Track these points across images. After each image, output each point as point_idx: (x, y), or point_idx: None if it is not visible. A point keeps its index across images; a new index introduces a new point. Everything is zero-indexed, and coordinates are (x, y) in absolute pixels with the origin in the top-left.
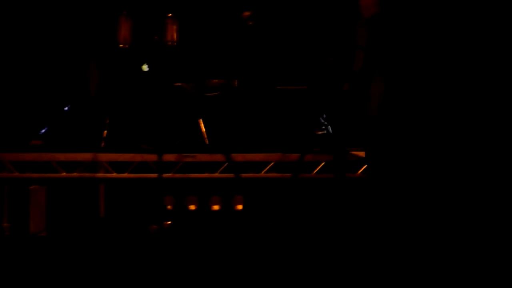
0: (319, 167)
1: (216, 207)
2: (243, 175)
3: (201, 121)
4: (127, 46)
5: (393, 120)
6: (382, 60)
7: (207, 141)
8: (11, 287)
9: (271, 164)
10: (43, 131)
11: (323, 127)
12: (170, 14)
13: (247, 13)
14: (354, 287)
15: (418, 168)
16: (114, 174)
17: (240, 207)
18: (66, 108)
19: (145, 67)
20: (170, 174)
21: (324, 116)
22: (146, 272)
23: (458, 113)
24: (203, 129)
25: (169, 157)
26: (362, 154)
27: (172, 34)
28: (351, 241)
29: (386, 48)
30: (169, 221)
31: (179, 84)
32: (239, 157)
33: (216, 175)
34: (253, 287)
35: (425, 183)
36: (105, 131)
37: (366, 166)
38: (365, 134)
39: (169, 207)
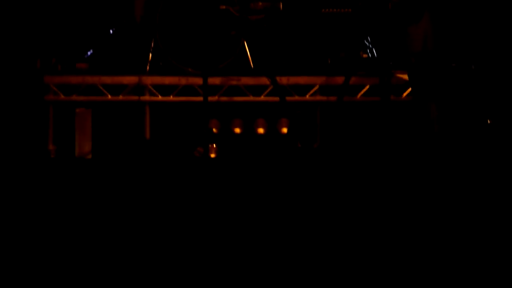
0: (364, 90)
1: (261, 130)
2: (288, 98)
3: (246, 44)
4: None
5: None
6: None
7: (252, 64)
8: (55, 209)
9: (316, 87)
10: (88, 54)
11: (368, 49)
12: None
13: None
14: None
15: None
16: (159, 97)
17: (285, 130)
18: (111, 31)
19: None
20: (215, 98)
21: (369, 39)
22: (190, 194)
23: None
24: (248, 52)
25: (214, 80)
26: (406, 77)
27: None
28: (396, 166)
29: None
30: (214, 144)
31: (225, 7)
32: (283, 80)
33: (261, 98)
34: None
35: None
36: (150, 54)
37: (410, 89)
38: (409, 56)
39: (214, 130)
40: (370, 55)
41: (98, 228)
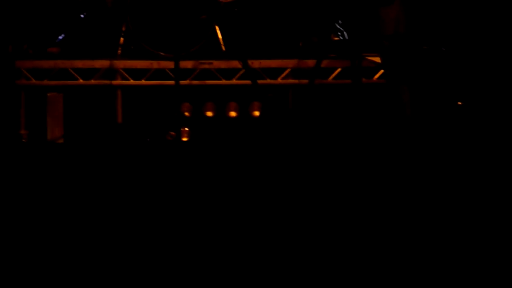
0: (336, 73)
1: (233, 114)
2: (260, 81)
3: (217, 27)
4: None
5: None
6: None
7: (223, 48)
8: (27, 193)
9: (288, 71)
10: (60, 38)
11: (339, 32)
12: None
13: None
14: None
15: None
16: (131, 81)
17: (257, 113)
18: (82, 15)
19: None
20: (187, 81)
21: (340, 21)
22: (162, 178)
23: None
24: (220, 36)
25: (186, 64)
26: (378, 59)
27: None
28: (366, 148)
29: None
30: (186, 127)
31: None
32: (255, 63)
33: (233, 81)
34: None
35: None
36: (122, 38)
37: (382, 71)
38: (381, 39)
39: (186, 114)
40: (341, 38)
41: (69, 212)
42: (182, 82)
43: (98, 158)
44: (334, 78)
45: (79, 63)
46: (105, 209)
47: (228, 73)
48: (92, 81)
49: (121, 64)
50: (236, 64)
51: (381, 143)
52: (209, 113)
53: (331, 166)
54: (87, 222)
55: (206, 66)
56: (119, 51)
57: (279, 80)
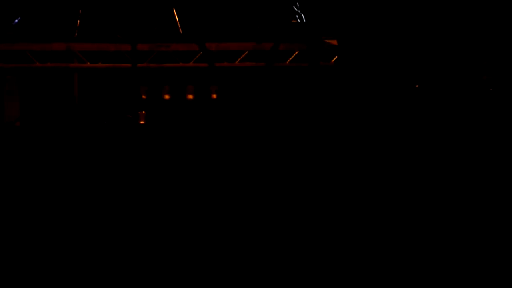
0: (293, 56)
1: (190, 97)
2: (218, 64)
3: (174, 10)
4: None
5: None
6: None
7: (181, 31)
8: None
9: (245, 54)
10: (16, 21)
11: (297, 16)
12: None
13: None
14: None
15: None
16: (88, 64)
17: (214, 96)
18: None
19: None
20: (144, 64)
21: (298, 4)
22: (118, 160)
23: None
24: (177, 19)
25: (143, 46)
26: (335, 42)
27: None
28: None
29: None
30: (143, 110)
31: None
32: (213, 46)
33: (191, 64)
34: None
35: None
36: (79, 21)
37: (338, 55)
38: (339, 23)
39: (143, 96)
40: (299, 21)
41: (25, 192)
42: (140, 65)
43: (54, 140)
44: (292, 61)
45: (36, 46)
46: (60, 190)
47: (186, 56)
48: (49, 64)
49: (77, 46)
50: (194, 47)
51: (337, 123)
52: (167, 96)
53: (287, 149)
54: (41, 205)
55: (164, 48)
56: (76, 34)
57: (237, 63)
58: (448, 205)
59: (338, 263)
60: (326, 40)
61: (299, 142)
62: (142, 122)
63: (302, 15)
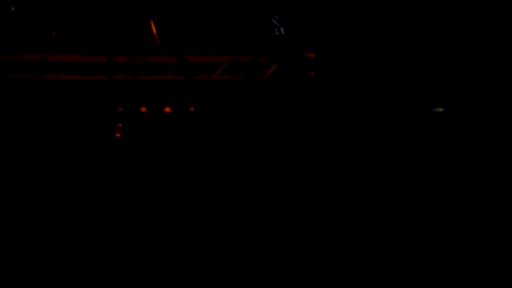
0: (272, 68)
1: (167, 110)
2: (195, 77)
3: (152, 22)
4: None
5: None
6: None
7: (158, 43)
8: None
9: (223, 66)
10: None
11: (276, 28)
12: None
13: None
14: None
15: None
16: (64, 76)
17: (191, 109)
18: (13, 9)
19: None
20: (120, 76)
21: (277, 17)
22: (94, 172)
23: None
24: (155, 31)
25: (120, 58)
26: (313, 56)
27: None
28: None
29: None
30: (119, 123)
31: None
32: (190, 59)
33: (168, 77)
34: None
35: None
36: (54, 32)
37: (316, 69)
38: (317, 37)
39: (120, 109)
40: (278, 34)
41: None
42: (116, 77)
43: (28, 152)
44: (271, 74)
45: (11, 57)
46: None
47: (163, 68)
48: (24, 75)
49: (53, 58)
50: (171, 59)
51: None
52: (143, 109)
53: (267, 159)
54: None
55: (141, 60)
56: (51, 45)
57: (215, 76)
58: (447, 205)
59: (338, 263)
60: (305, 53)
61: (278, 153)
62: (117, 135)
63: (281, 28)
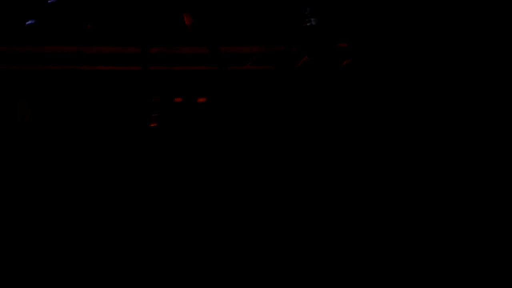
0: (304, 59)
1: (202, 99)
2: (229, 67)
3: (185, 14)
4: None
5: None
6: None
7: (191, 34)
8: None
9: (256, 57)
10: (28, 23)
11: (307, 19)
12: None
13: None
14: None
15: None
16: (99, 67)
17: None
18: (49, 1)
19: None
20: (155, 67)
21: (308, 9)
22: (132, 164)
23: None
24: (188, 22)
25: (154, 49)
26: (345, 45)
27: None
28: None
29: None
30: (155, 113)
31: None
32: (223, 49)
33: (202, 67)
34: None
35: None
36: (89, 24)
37: (350, 59)
38: (350, 27)
39: (154, 99)
40: (310, 25)
41: (27, 191)
42: (151, 67)
43: (65, 141)
44: (303, 63)
45: (49, 48)
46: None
47: (196, 59)
48: (61, 67)
49: (89, 49)
50: (204, 50)
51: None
52: (178, 99)
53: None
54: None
55: (174, 51)
56: (86, 37)
57: (248, 66)
58: (448, 205)
59: (338, 263)
60: (338, 44)
61: (309, 144)
62: (153, 124)
63: (313, 19)
